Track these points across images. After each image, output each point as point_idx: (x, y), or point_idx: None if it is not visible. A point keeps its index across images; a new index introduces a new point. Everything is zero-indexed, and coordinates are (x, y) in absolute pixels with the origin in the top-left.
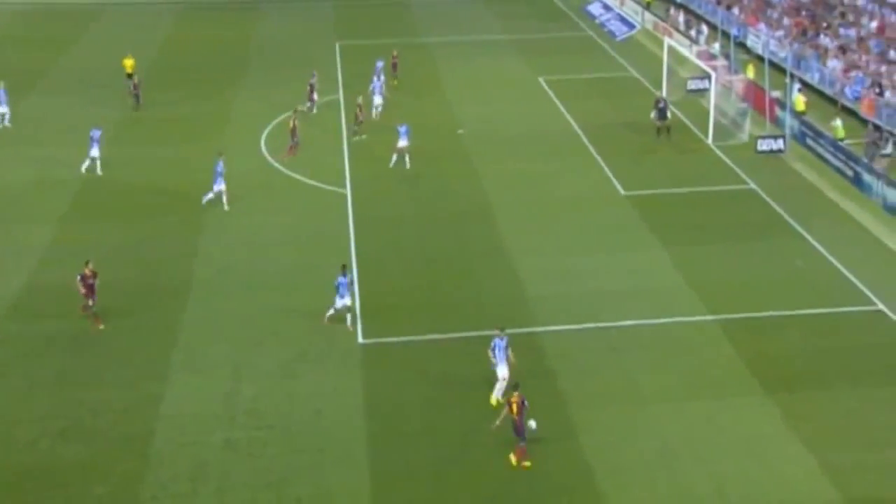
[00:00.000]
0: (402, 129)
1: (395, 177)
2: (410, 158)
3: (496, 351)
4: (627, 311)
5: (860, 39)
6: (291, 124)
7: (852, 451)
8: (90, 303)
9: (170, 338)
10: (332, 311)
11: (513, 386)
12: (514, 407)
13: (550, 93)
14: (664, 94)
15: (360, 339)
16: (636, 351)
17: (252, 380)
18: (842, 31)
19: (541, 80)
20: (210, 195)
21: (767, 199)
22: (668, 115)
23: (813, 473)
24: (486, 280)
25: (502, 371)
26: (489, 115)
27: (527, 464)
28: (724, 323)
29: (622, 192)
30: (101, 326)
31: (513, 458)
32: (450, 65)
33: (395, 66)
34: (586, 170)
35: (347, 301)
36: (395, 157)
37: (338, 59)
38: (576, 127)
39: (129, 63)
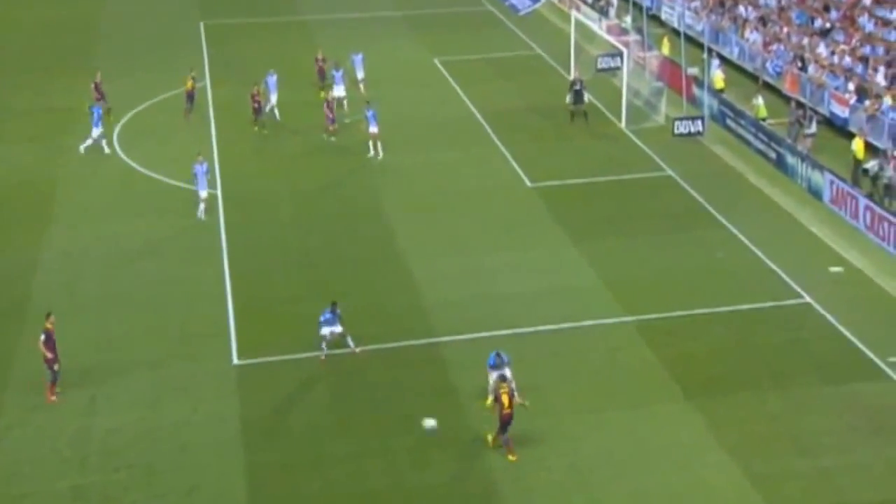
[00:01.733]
0: (370, 113)
1: (270, 173)
2: (382, 146)
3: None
4: (535, 314)
5: (781, 10)
6: (189, 85)
7: (780, 458)
8: (56, 367)
9: (1, 370)
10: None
11: (499, 377)
12: (507, 399)
13: (447, 75)
14: (577, 74)
15: (235, 360)
16: (546, 359)
17: (108, 414)
18: (762, 0)
19: (436, 61)
20: (203, 206)
21: (686, 186)
22: (585, 98)
23: (739, 483)
24: (379, 286)
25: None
26: (379, 102)
27: (512, 457)
28: (641, 323)
29: (528, 183)
30: (55, 398)
31: (511, 456)
32: (333, 45)
33: (321, 71)
34: (489, 160)
35: (338, 328)
36: (370, 147)
37: (203, 41)
38: (476, 113)
39: None
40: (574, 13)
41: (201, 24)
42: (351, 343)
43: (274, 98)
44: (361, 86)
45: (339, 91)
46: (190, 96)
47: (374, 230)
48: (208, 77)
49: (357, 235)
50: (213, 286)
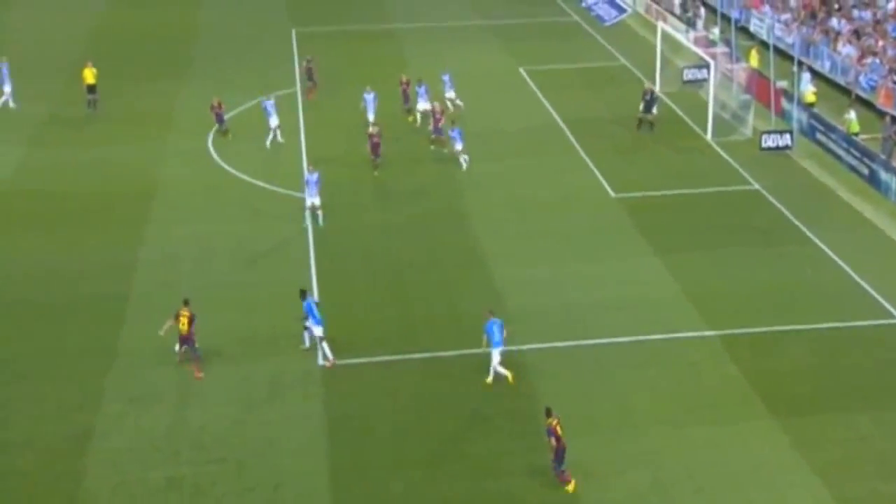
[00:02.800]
0: (455, 132)
1: (359, 180)
2: (467, 159)
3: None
4: (618, 325)
5: (876, 22)
6: (305, 65)
7: (868, 481)
8: (191, 347)
9: (103, 363)
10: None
11: (545, 412)
12: (559, 430)
13: (532, 84)
14: (657, 86)
15: (320, 361)
16: (628, 370)
17: (200, 408)
18: (855, 13)
19: (521, 70)
20: (317, 213)
21: (773, 201)
22: (655, 110)
23: None
24: (462, 292)
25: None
26: (465, 110)
27: (570, 487)
28: (725, 338)
29: (612, 193)
30: (201, 375)
31: (569, 487)
32: (420, 54)
33: (309, 71)
34: (572, 169)
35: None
36: (462, 161)
37: (294, 48)
38: (560, 122)
39: (90, 73)
40: (661, 24)
41: (293, 32)
42: (322, 351)
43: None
44: (450, 104)
45: (423, 104)
46: (309, 74)
47: (458, 237)
48: (298, 84)
49: (441, 242)
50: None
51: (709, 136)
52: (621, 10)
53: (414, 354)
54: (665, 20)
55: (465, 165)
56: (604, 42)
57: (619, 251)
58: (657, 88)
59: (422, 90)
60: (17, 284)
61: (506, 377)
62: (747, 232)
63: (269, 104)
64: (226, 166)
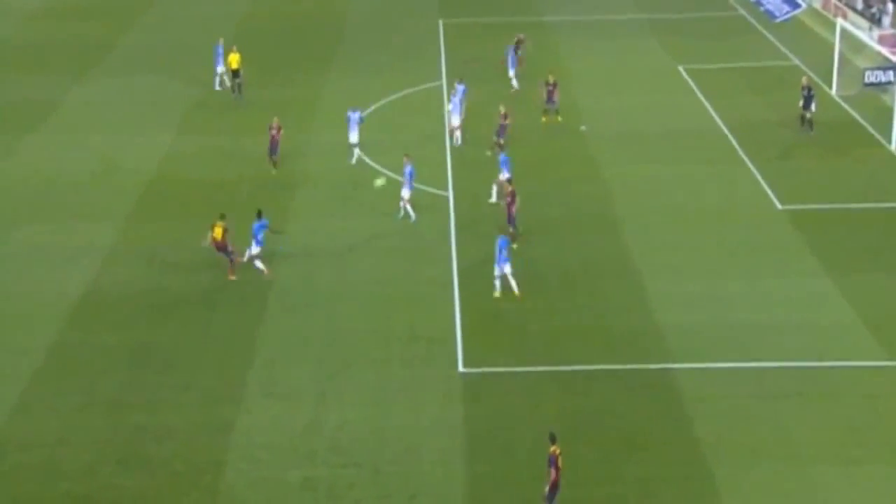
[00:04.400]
0: (502, 158)
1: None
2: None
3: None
4: (784, 349)
5: None
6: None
7: None
8: (225, 253)
9: (245, 355)
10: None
11: (550, 437)
12: (560, 461)
13: (692, 84)
14: (833, 88)
15: (461, 368)
16: (794, 399)
17: (338, 409)
18: None
19: (681, 69)
20: (406, 206)
21: None
22: (814, 107)
23: None
24: (612, 303)
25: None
26: (618, 110)
27: None
28: None
29: (778, 205)
30: (234, 277)
31: None
32: (574, 48)
33: (520, 48)
34: (734, 177)
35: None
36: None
37: (441, 39)
38: (722, 126)
39: (234, 59)
40: (840, 21)
41: (440, 22)
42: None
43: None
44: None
45: (455, 120)
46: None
47: (608, 245)
48: (444, 77)
49: (590, 249)
50: (439, 289)
51: (893, 146)
52: (795, 4)
53: (560, 367)
54: (845, 16)
55: (494, 196)
56: (773, 40)
57: (785, 269)
58: (834, 90)
59: (455, 100)
60: (164, 272)
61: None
62: None
63: (355, 116)
64: (368, 160)
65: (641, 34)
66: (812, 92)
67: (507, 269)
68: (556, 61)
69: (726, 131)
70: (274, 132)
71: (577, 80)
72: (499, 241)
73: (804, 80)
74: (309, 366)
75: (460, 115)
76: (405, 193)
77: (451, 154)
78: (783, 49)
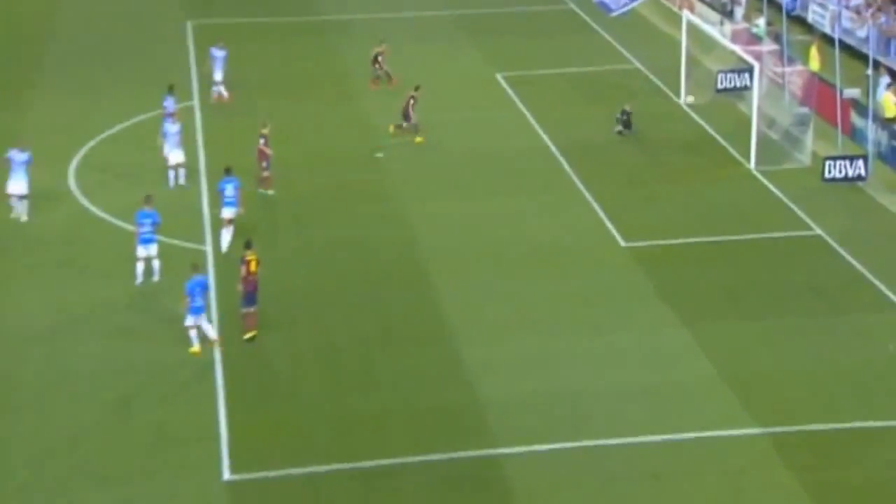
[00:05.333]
0: (225, 184)
1: (280, 225)
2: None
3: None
4: (633, 421)
5: None
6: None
7: None
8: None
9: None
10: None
11: (245, 244)
12: (253, 265)
13: (514, 95)
14: (681, 96)
15: (227, 475)
16: (644, 482)
17: None
18: None
19: (499, 76)
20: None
21: (841, 251)
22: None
23: None
24: (420, 376)
25: None
26: (425, 130)
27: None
28: (777, 438)
29: (622, 241)
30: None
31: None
32: (364, 55)
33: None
34: (568, 209)
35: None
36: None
37: (190, 45)
38: (551, 146)
39: None
40: (686, 14)
41: (188, 25)
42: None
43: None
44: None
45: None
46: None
47: (411, 301)
48: (196, 95)
49: (391, 310)
50: (195, 374)
51: (752, 164)
52: None
53: (357, 463)
54: (692, 9)
55: (225, 245)
56: (610, 38)
57: (631, 319)
58: (682, 99)
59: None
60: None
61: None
62: (806, 294)
63: (20, 158)
64: (92, 207)
65: (449, 35)
66: (629, 117)
67: (203, 320)
68: (340, 72)
69: (556, 152)
70: None
71: (367, 95)
72: (190, 285)
73: (627, 106)
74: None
75: (180, 146)
76: (147, 250)
77: (210, 196)
78: (622, 50)
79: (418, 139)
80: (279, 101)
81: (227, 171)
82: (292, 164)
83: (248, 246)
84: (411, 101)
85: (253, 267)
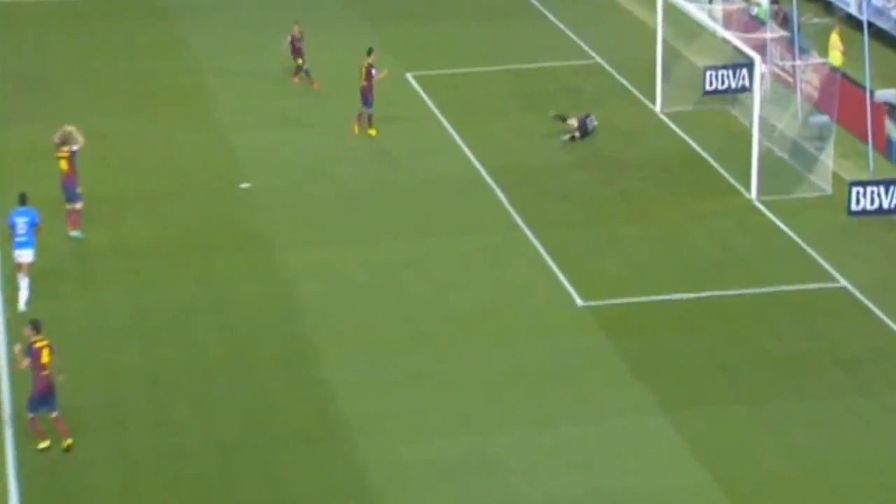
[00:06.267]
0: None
1: (107, 283)
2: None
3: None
4: None
5: None
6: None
7: None
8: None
9: None
10: None
11: (31, 324)
12: (46, 355)
13: (429, 102)
14: (657, 102)
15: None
16: None
17: None
18: None
19: (409, 76)
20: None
21: (873, 309)
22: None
23: None
24: (321, 489)
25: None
26: (300, 153)
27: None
28: None
29: (578, 300)
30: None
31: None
32: (223, 51)
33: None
34: (505, 256)
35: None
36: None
37: None
38: (482, 170)
39: None
40: None
41: None
42: None
43: None
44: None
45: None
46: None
47: (291, 386)
48: None
49: (258, 398)
50: None
51: (753, 193)
52: None
53: None
54: None
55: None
56: (562, 25)
57: (594, 406)
58: (658, 106)
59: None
60: None
61: None
62: (827, 368)
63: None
64: None
65: (343, 23)
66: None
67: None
68: (193, 75)
69: (488, 178)
70: None
71: (227, 106)
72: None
73: (592, 117)
74: None
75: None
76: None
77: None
78: (577, 40)
79: (371, 131)
80: (104, 114)
81: (22, 199)
82: (125, 200)
83: (35, 328)
84: (372, 71)
85: (45, 357)
